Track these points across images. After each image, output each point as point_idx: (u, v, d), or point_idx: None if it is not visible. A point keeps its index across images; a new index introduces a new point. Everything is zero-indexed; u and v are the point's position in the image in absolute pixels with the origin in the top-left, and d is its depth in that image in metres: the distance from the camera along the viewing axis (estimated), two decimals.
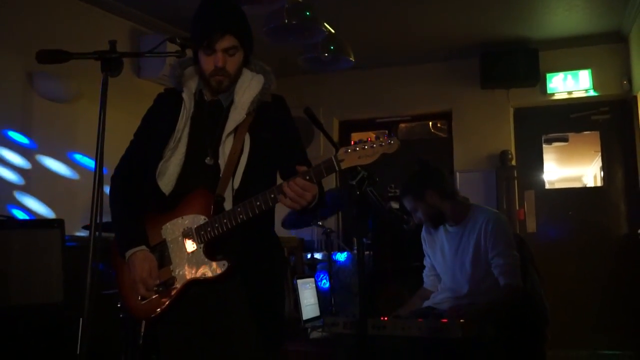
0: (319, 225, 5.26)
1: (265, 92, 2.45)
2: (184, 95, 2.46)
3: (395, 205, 6.66)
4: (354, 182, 2.42)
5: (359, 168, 2.28)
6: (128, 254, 2.34)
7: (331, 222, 6.96)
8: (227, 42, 2.37)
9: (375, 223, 5.28)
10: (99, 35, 5.26)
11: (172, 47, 2.29)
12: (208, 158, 2.38)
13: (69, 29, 5.12)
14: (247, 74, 2.48)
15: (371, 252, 5.13)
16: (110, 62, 2.04)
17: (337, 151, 2.17)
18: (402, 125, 7.91)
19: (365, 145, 2.14)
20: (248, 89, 2.44)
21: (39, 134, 4.88)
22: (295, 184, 2.17)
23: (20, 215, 4.62)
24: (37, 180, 4.83)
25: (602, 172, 7.20)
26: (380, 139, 2.14)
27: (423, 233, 3.89)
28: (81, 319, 1.86)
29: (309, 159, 2.50)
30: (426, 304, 3.66)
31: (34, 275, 3.74)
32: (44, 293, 3.77)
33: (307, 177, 2.17)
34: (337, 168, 2.15)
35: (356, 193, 2.38)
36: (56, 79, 4.83)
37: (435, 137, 7.85)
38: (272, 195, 2.21)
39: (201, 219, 2.32)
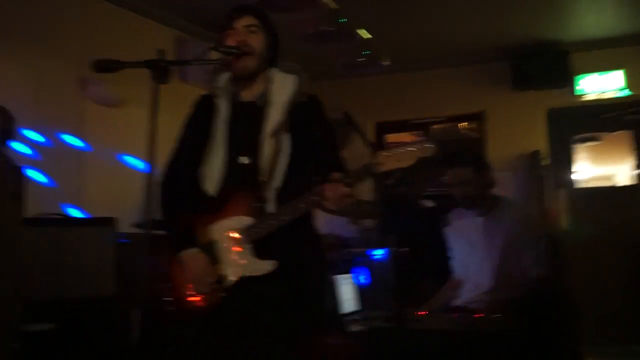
0: (356, 222, 5.26)
1: (301, 91, 2.45)
2: (218, 100, 2.48)
3: (429, 204, 6.63)
4: (389, 183, 2.43)
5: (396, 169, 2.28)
6: (182, 253, 2.37)
7: (366, 220, 6.94)
8: (245, 20, 2.42)
9: (411, 221, 5.26)
10: (144, 42, 5.36)
11: (215, 55, 2.34)
12: (244, 158, 2.38)
13: (116, 37, 5.23)
14: (279, 75, 2.49)
15: (407, 249, 5.12)
16: (160, 71, 2.07)
17: (374, 155, 2.17)
18: (435, 126, 7.86)
19: (402, 149, 2.15)
20: (283, 88, 2.45)
21: (92, 137, 4.99)
22: (336, 188, 2.17)
23: (75, 213, 4.74)
24: (90, 181, 4.94)
25: (635, 171, 7.04)
26: (417, 143, 2.15)
27: (446, 226, 3.87)
28: (139, 310, 1.90)
29: (343, 159, 2.50)
30: (454, 303, 3.63)
31: (87, 269, 3.83)
32: (97, 286, 3.86)
33: (347, 181, 2.18)
34: (375, 171, 2.16)
35: (392, 193, 2.38)
36: (107, 84, 4.94)
37: (468, 137, 7.78)
38: (315, 199, 2.22)
39: (247, 220, 2.33)
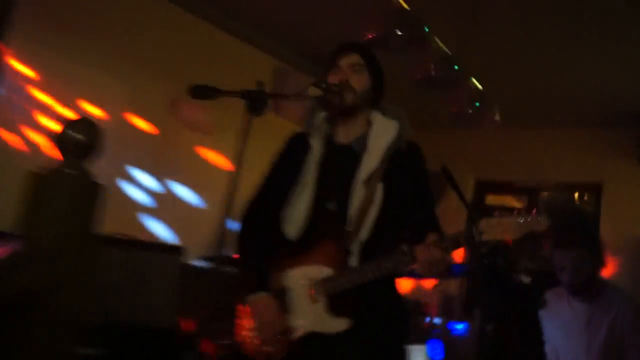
0: (440, 290, 5.19)
1: (401, 139, 2.47)
2: (312, 139, 2.53)
3: (526, 279, 6.45)
4: (484, 250, 2.40)
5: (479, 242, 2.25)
6: (252, 297, 2.41)
7: (454, 288, 6.83)
8: (351, 58, 2.47)
9: (502, 296, 5.13)
10: (242, 68, 5.58)
11: (314, 92, 2.40)
12: (332, 204, 2.40)
13: (214, 59, 5.48)
14: (380, 119, 2.52)
15: (494, 327, 4.98)
16: (256, 103, 2.15)
17: (477, 221, 2.15)
18: (544, 193, 7.68)
19: (509, 219, 2.11)
20: (383, 134, 2.47)
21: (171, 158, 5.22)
22: (430, 252, 2.16)
23: (158, 229, 4.94)
24: (164, 204, 5.15)
25: None
26: (528, 215, 2.11)
27: (542, 308, 3.74)
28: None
29: (437, 217, 2.50)
30: None
31: (150, 297, 3.95)
32: (157, 315, 3.96)
33: (443, 246, 2.17)
34: (477, 240, 2.13)
35: (485, 262, 2.34)
36: (198, 108, 5.16)
37: (580, 210, 7.54)
38: (405, 258, 2.22)
39: (327, 271, 2.34)
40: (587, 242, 3.54)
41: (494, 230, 2.11)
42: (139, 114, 4.97)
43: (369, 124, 2.53)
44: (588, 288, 3.52)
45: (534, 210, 2.11)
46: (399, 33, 3.70)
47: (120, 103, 4.83)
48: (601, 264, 3.55)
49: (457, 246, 2.17)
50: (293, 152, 2.57)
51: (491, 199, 7.97)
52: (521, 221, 2.10)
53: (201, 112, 5.21)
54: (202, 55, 5.40)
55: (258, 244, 2.50)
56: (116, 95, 4.80)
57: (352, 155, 2.47)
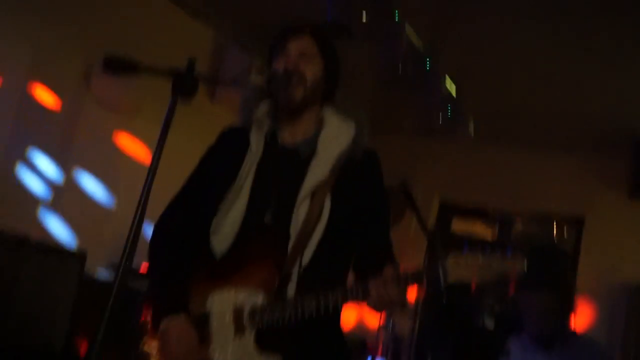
0: (388, 329, 5.22)
1: (357, 146, 2.45)
2: (252, 136, 2.48)
3: (489, 323, 6.53)
4: (443, 288, 2.41)
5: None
6: (166, 321, 2.32)
7: (404, 328, 6.86)
8: (302, 42, 2.46)
9: (460, 342, 5.20)
10: (176, 40, 5.53)
11: (258, 79, 2.38)
12: (269, 217, 2.37)
13: (144, 25, 5.40)
14: (334, 120, 2.50)
15: None
16: (185, 84, 2.09)
17: (440, 258, 2.15)
18: (519, 222, 7.81)
19: (481, 261, 2.11)
20: (335, 138, 2.45)
21: (80, 144, 5.11)
22: (386, 289, 2.15)
23: (53, 226, 4.84)
24: (66, 199, 5.04)
25: None
26: (502, 255, 2.12)
27: (512, 346, 3.80)
28: None
29: (391, 241, 2.50)
30: None
31: (39, 312, 3.86)
32: (46, 334, 3.88)
33: (402, 282, 2.15)
34: (442, 280, 2.12)
35: (442, 301, 2.36)
36: (118, 84, 5.06)
37: (557, 246, 7.69)
38: (355, 293, 2.20)
39: (259, 298, 2.30)
40: (559, 285, 3.62)
41: (463, 271, 2.12)
42: (45, 84, 4.85)
43: (320, 122, 2.51)
44: (556, 337, 3.59)
45: (509, 251, 2.11)
46: (365, 18, 3.70)
47: (23, 70, 4.70)
48: (571, 311, 3.63)
49: (417, 284, 2.17)
50: (227, 149, 2.53)
51: (458, 225, 8.04)
52: (494, 263, 2.11)
53: (122, 89, 5.12)
54: (128, 19, 5.31)
55: (175, 256, 2.44)
56: (18, 59, 4.67)
57: (297, 160, 2.44)
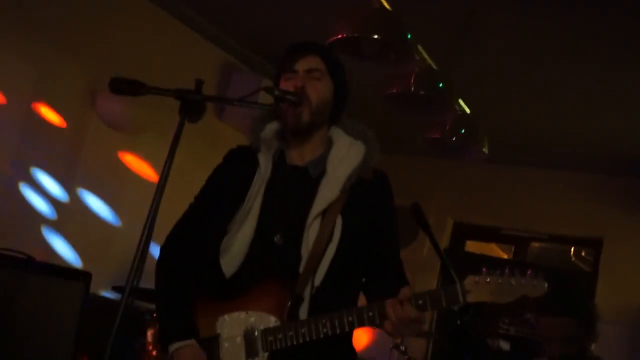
0: (401, 351, 5.22)
1: (367, 165, 2.48)
2: (260, 156, 2.49)
3: (505, 346, 6.50)
4: (456, 308, 2.42)
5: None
6: (173, 347, 2.33)
7: (416, 349, 6.85)
8: (310, 61, 2.47)
9: None
10: (185, 60, 5.58)
11: (267, 99, 2.40)
12: (279, 237, 2.39)
13: (150, 44, 5.45)
14: (343, 139, 2.52)
15: None
16: (192, 105, 2.13)
17: (457, 278, 2.17)
18: (535, 244, 7.80)
19: (501, 280, 2.12)
20: (345, 158, 2.47)
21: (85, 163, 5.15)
22: (404, 311, 2.15)
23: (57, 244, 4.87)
24: (71, 218, 5.07)
25: None
26: (522, 276, 2.13)
27: None
28: None
29: (401, 261, 2.53)
30: None
31: (41, 334, 3.87)
32: (49, 356, 3.89)
33: (420, 303, 2.16)
34: (461, 301, 2.13)
35: (456, 322, 2.37)
36: (123, 103, 5.10)
37: (575, 268, 7.69)
38: (371, 314, 2.21)
39: (271, 321, 2.30)
40: (580, 311, 3.61)
41: (482, 291, 2.12)
42: (50, 104, 4.89)
43: (328, 142, 2.53)
44: None
45: (529, 271, 2.12)
46: (375, 37, 3.72)
47: (28, 90, 4.75)
48: (594, 338, 3.62)
49: (437, 307, 2.18)
50: (234, 169, 2.55)
51: (472, 246, 8.05)
52: (514, 283, 2.11)
53: (127, 108, 5.16)
54: (134, 39, 5.35)
55: (183, 279, 2.46)
56: (23, 80, 4.71)
57: (307, 179, 2.47)
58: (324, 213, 2.39)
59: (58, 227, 4.99)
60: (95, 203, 5.27)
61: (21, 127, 4.70)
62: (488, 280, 2.12)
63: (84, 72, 4.99)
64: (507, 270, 2.14)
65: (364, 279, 2.52)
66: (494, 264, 2.21)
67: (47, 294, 3.96)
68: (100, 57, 5.04)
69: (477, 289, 2.13)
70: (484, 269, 2.16)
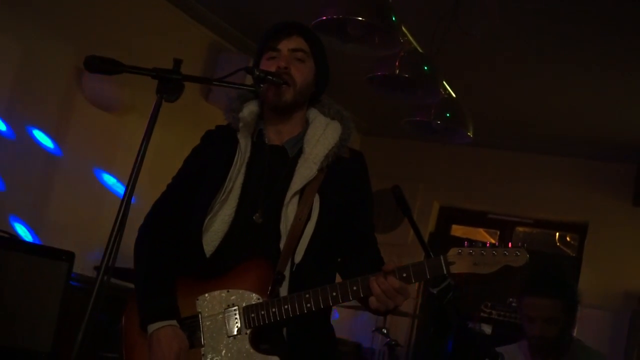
0: (384, 333, 5.23)
1: (344, 145, 2.50)
2: (240, 135, 2.51)
3: (487, 329, 6.53)
4: (435, 291, 2.44)
5: (446, 274, 2.30)
6: (152, 327, 2.32)
7: (400, 333, 6.89)
8: (294, 42, 2.49)
9: (457, 346, 5.21)
10: (172, 40, 5.56)
11: (250, 80, 2.39)
12: (256, 215, 2.41)
13: (138, 24, 5.42)
14: (320, 119, 2.54)
15: None
16: (169, 84, 2.12)
17: (440, 253, 2.19)
18: (520, 229, 7.83)
19: (484, 251, 2.16)
20: (322, 137, 2.49)
21: (69, 142, 5.12)
22: (388, 282, 2.18)
23: (24, 234, 4.83)
24: (53, 197, 5.05)
25: None
26: (505, 248, 2.17)
27: (512, 354, 3.81)
28: None
29: (376, 239, 2.56)
30: None
31: (24, 313, 3.87)
32: (32, 337, 3.88)
33: (404, 275, 2.19)
34: (445, 271, 2.18)
35: (437, 305, 2.38)
36: (109, 82, 5.08)
37: (559, 253, 7.72)
38: (355, 288, 2.23)
39: (253, 298, 2.32)
40: (564, 293, 3.63)
41: (465, 262, 2.17)
42: (32, 79, 4.84)
43: (305, 122, 2.56)
44: (557, 347, 3.60)
45: (510, 243, 2.16)
46: (360, 19, 3.71)
47: (10, 63, 4.70)
48: (574, 321, 3.64)
49: (421, 278, 2.21)
50: (214, 150, 2.56)
51: (458, 231, 8.08)
52: (496, 254, 2.16)
53: (113, 88, 5.13)
54: (121, 18, 5.32)
55: (162, 259, 2.45)
56: (6, 51, 4.67)
57: (285, 159, 2.50)
58: (302, 192, 2.42)
59: (44, 206, 4.97)
60: (79, 183, 5.25)
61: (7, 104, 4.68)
62: (471, 251, 2.17)
63: (69, 50, 4.95)
64: (488, 243, 2.18)
65: (339, 259, 2.54)
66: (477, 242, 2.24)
67: (30, 273, 3.95)
68: (86, 35, 5.01)
69: (460, 260, 2.17)
70: (466, 242, 2.21)
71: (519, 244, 2.17)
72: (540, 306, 3.59)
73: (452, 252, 2.19)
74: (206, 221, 2.42)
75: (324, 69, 2.58)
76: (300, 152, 2.49)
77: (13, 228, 4.77)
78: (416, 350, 7.21)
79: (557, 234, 7.74)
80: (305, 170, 2.44)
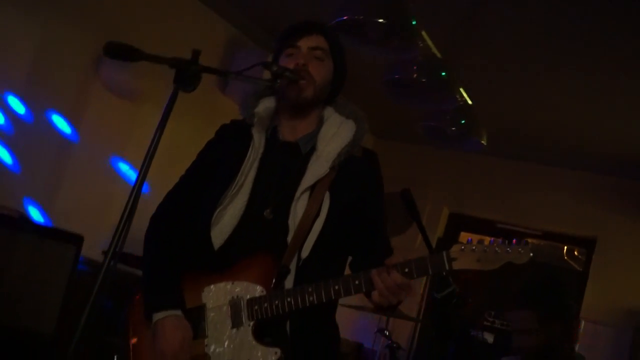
0: (386, 335, 5.23)
1: (357, 144, 2.50)
2: (254, 131, 2.52)
3: (489, 338, 6.52)
4: (439, 296, 2.44)
5: (450, 281, 2.29)
6: (157, 316, 2.34)
7: (402, 336, 6.88)
8: (314, 40, 2.48)
9: (458, 353, 5.19)
10: (191, 32, 5.57)
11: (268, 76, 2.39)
12: (267, 211, 2.42)
13: (157, 14, 5.43)
14: (335, 117, 2.54)
15: None
16: (186, 75, 2.13)
17: (442, 251, 2.17)
18: (529, 240, 7.79)
19: (487, 248, 2.15)
20: (336, 136, 2.49)
21: (86, 127, 5.14)
22: (390, 278, 2.18)
23: (36, 216, 4.85)
24: (67, 180, 5.08)
25: None
26: (508, 244, 2.15)
27: None
28: None
29: (389, 241, 2.56)
30: None
31: (30, 293, 3.89)
32: (36, 317, 3.91)
33: (406, 271, 2.18)
34: (447, 267, 2.16)
35: (440, 310, 2.38)
36: (126, 71, 5.10)
37: (567, 267, 7.69)
38: (357, 282, 2.23)
39: (257, 290, 2.33)
40: (541, 305, 3.62)
41: (468, 258, 2.15)
42: (51, 63, 4.86)
43: (320, 120, 2.55)
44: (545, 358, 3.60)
45: (514, 240, 2.14)
46: (380, 20, 3.71)
47: (29, 47, 4.72)
48: (560, 336, 3.61)
49: (423, 273, 2.20)
50: (228, 144, 2.56)
51: (466, 238, 8.06)
52: (499, 251, 2.14)
53: (130, 76, 5.15)
54: (141, 8, 5.32)
55: (171, 248, 2.48)
56: (26, 36, 4.69)
57: (297, 155, 2.50)
58: (312, 188, 2.42)
59: (55, 188, 5.00)
60: (93, 168, 5.27)
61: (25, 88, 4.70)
62: (474, 248, 2.16)
63: (89, 37, 4.96)
64: (492, 240, 2.17)
65: (350, 257, 2.55)
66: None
67: (38, 254, 3.98)
68: (107, 22, 5.01)
69: (463, 256, 2.16)
70: (469, 238, 2.20)
71: (523, 242, 2.15)
72: (516, 318, 3.62)
73: (455, 248, 2.17)
74: (215, 214, 2.43)
75: (342, 69, 2.58)
76: (313, 149, 2.49)
77: (26, 209, 4.79)
78: (417, 354, 7.20)
79: (565, 247, 7.71)
80: (317, 167, 2.44)
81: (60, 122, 4.98)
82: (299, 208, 2.40)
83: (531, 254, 2.13)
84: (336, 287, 2.23)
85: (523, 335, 3.57)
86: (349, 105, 2.59)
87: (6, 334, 3.80)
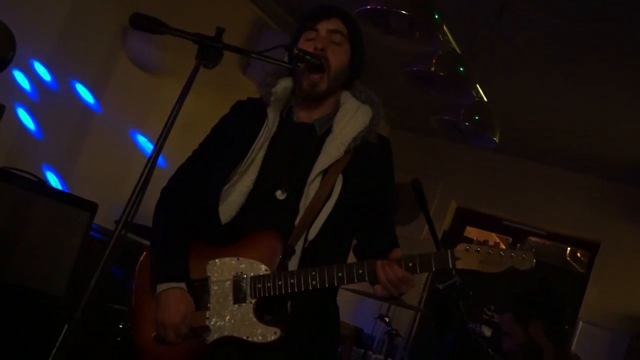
0: (386, 322, 5.22)
1: (373, 129, 2.48)
2: (269, 110, 2.50)
3: (487, 332, 6.52)
4: (441, 287, 2.43)
5: (453, 272, 2.28)
6: (161, 287, 2.34)
7: (402, 324, 6.88)
8: (333, 24, 2.46)
9: (456, 345, 5.19)
10: (217, 12, 5.54)
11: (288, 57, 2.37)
12: (279, 192, 2.40)
13: None
14: (352, 102, 2.52)
15: None
16: (208, 51, 2.12)
17: (448, 248, 2.17)
18: (533, 239, 7.78)
19: (491, 250, 2.14)
20: (353, 119, 2.47)
21: (108, 98, 5.15)
22: (393, 271, 2.17)
23: (54, 182, 4.87)
24: (86, 150, 5.08)
25: None
26: (512, 249, 2.15)
27: None
28: (66, 325, 1.94)
29: (395, 228, 2.54)
30: None
31: (43, 255, 3.90)
32: (47, 280, 3.92)
33: (410, 265, 2.18)
34: (450, 265, 2.16)
35: (441, 301, 2.38)
36: (151, 44, 5.09)
37: (569, 268, 7.67)
38: (360, 272, 2.22)
39: (261, 269, 2.32)
40: (515, 306, 3.64)
41: (472, 259, 2.15)
42: (78, 32, 4.85)
43: (337, 104, 2.53)
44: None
45: (519, 246, 2.15)
46: (403, 12, 3.69)
47: (58, 15, 4.72)
48: (552, 337, 3.60)
49: (426, 269, 2.20)
50: (242, 120, 2.55)
51: (471, 233, 8.05)
52: (503, 255, 2.14)
53: (156, 50, 5.14)
54: None
55: (178, 222, 2.47)
56: (56, 5, 4.68)
57: (312, 136, 2.48)
58: (325, 171, 2.40)
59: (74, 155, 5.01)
60: (112, 139, 5.28)
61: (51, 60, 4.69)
62: (478, 249, 2.15)
63: (117, 8, 4.95)
64: (496, 243, 2.17)
65: (355, 241, 2.53)
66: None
67: (53, 218, 3.98)
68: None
69: (467, 256, 2.16)
70: (475, 239, 2.19)
71: (527, 248, 2.15)
72: (501, 321, 3.65)
73: (460, 248, 2.17)
74: (223, 191, 2.42)
75: (360, 55, 2.55)
76: (328, 131, 2.47)
77: (44, 175, 4.80)
78: (415, 343, 7.21)
79: (569, 248, 7.69)
80: (333, 150, 2.42)
81: (83, 92, 4.97)
82: (311, 190, 2.38)
83: (534, 261, 2.13)
84: (339, 274, 2.23)
85: (505, 337, 3.60)
86: (366, 90, 2.57)
87: (17, 293, 3.81)
